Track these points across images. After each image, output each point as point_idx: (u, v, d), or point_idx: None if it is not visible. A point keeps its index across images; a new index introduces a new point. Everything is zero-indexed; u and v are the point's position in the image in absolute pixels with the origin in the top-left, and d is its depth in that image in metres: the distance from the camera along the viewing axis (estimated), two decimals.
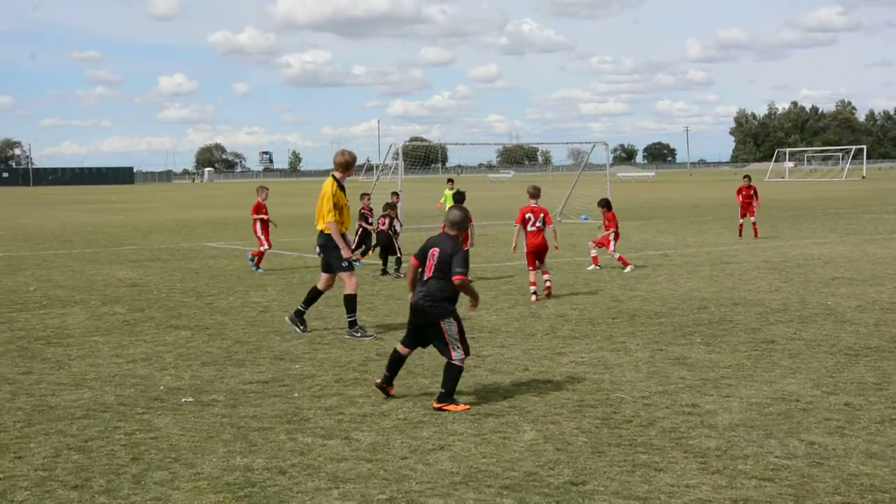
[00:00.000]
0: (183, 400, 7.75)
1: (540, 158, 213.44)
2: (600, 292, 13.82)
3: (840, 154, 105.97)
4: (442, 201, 25.47)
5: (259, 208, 18.37)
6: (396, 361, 7.70)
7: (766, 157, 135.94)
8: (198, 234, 29.29)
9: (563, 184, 39.19)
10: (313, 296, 10.97)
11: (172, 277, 16.88)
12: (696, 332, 10.44)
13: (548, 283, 13.41)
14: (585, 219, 31.23)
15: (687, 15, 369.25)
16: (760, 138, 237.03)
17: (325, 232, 10.49)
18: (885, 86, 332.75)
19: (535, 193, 13.26)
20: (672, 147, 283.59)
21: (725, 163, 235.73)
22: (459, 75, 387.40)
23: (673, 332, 10.48)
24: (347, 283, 10.56)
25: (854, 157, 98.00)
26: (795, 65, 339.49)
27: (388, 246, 17.00)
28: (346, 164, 10.72)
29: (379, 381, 7.72)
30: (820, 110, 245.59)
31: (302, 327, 10.86)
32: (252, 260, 17.91)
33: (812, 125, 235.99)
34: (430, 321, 7.50)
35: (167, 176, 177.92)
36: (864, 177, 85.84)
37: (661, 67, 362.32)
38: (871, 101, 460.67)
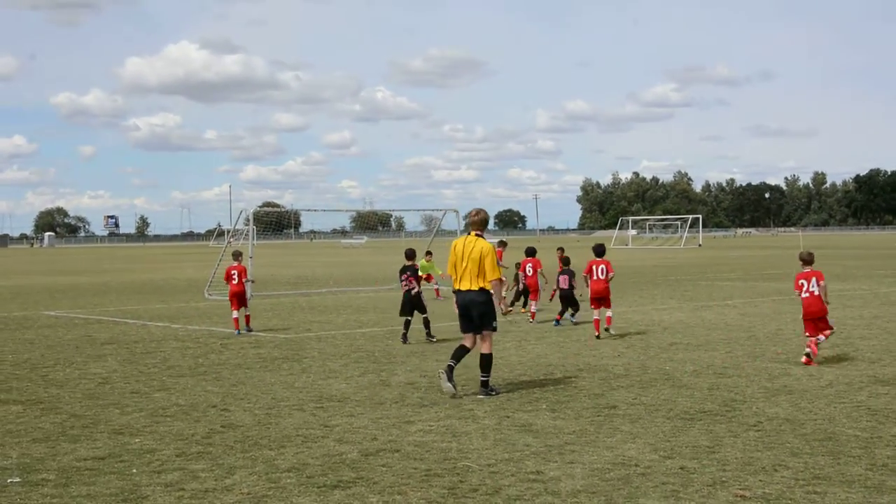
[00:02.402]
0: (9, 481, 7.32)
1: (393, 224, 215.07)
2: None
3: (678, 223, 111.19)
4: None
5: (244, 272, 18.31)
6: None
7: (611, 225, 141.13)
8: (34, 301, 27.98)
9: (418, 250, 39.45)
10: (463, 353, 11.10)
11: (3, 349, 16.03)
12: (542, 398, 10.64)
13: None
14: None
15: (535, 86, 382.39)
16: (605, 206, 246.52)
17: (487, 289, 10.84)
18: (718, 159, 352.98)
19: (808, 259, 13.27)
20: (522, 214, 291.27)
21: (573, 230, 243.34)
22: (313, 141, 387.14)
23: (520, 398, 10.65)
24: (489, 341, 11.06)
25: (691, 226, 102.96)
26: (637, 137, 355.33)
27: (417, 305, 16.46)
28: (486, 222, 11.40)
29: None
30: (660, 180, 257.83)
31: (494, 391, 10.95)
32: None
33: (653, 194, 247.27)
34: None
35: (3, 241, 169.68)
36: (700, 245, 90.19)
37: (511, 136, 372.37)
38: (705, 172, 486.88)
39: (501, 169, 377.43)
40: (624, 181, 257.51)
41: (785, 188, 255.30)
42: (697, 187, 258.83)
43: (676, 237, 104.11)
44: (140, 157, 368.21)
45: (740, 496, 6.65)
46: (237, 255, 18.87)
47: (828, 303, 13.04)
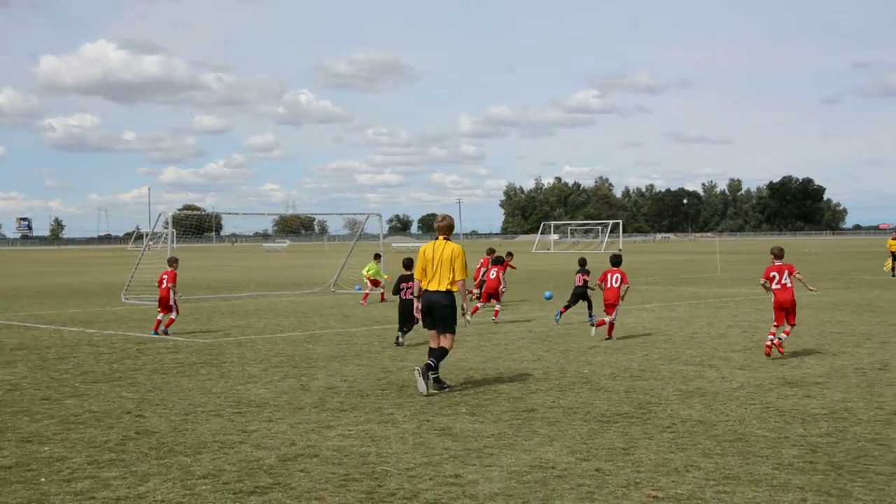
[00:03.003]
0: None
1: (316, 228, 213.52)
2: (371, 363, 13.91)
3: (599, 227, 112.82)
4: (365, 272, 28.20)
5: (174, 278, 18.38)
6: None
7: (534, 230, 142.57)
8: None
9: (340, 254, 39.39)
10: (442, 355, 11.59)
11: None
12: (461, 402, 10.69)
13: (784, 334, 14.28)
14: (359, 289, 31.38)
15: (459, 91, 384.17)
16: (528, 211, 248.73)
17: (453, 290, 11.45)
18: (638, 165, 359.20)
19: (779, 254, 14.49)
20: None
21: (496, 234, 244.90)
22: (235, 143, 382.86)
23: (440, 402, 10.69)
24: (450, 340, 11.68)
25: (612, 231, 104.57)
26: (559, 142, 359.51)
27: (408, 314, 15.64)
28: (452, 227, 11.99)
29: None
30: (581, 186, 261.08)
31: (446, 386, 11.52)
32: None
33: (574, 199, 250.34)
34: None
35: None
36: (620, 250, 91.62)
37: (435, 141, 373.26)
38: (625, 178, 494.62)
39: (425, 173, 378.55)
40: (546, 186, 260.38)
41: (702, 194, 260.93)
42: (618, 193, 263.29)
43: (597, 242, 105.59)
44: (55, 159, 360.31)
45: (653, 497, 6.78)
46: (171, 262, 18.85)
47: (812, 289, 14.65)
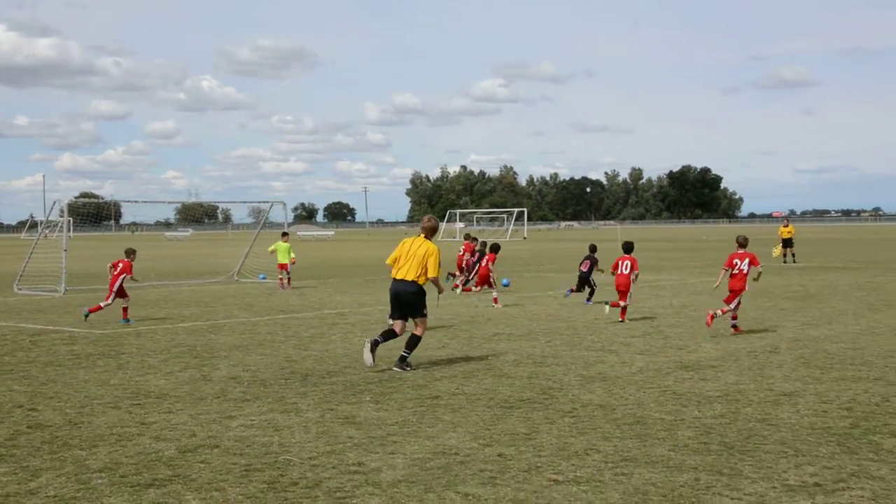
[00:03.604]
0: None
1: (220, 216, 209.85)
2: (274, 352, 13.77)
3: (505, 216, 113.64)
4: (273, 249, 28.23)
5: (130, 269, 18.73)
6: None
7: (440, 218, 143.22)
8: None
9: (244, 242, 38.84)
10: (391, 336, 12.31)
11: None
12: (366, 390, 10.67)
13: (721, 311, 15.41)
14: (263, 278, 31.03)
15: (364, 79, 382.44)
16: (434, 199, 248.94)
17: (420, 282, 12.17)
18: (542, 154, 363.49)
19: (743, 243, 15.61)
20: (352, 206, 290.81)
21: (402, 222, 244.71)
22: (135, 130, 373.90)
23: (344, 390, 10.65)
24: (422, 327, 12.36)
25: (517, 219, 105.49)
26: (465, 131, 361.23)
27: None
28: (435, 229, 12.83)
29: None
30: (487, 174, 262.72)
31: (407, 368, 12.05)
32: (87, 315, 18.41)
33: (480, 188, 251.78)
34: None
35: None
36: (525, 237, 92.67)
37: (340, 129, 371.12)
38: (530, 167, 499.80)
39: (331, 161, 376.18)
40: (452, 174, 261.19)
41: (605, 183, 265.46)
42: (523, 181, 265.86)
43: (503, 230, 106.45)
44: None
45: (553, 480, 6.89)
46: (128, 253, 19.13)
47: (755, 279, 15.44)
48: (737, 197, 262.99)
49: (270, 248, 28.46)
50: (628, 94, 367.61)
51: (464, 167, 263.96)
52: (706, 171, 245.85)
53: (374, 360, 11.98)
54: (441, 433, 8.46)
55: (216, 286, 29.22)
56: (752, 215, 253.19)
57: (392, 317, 12.47)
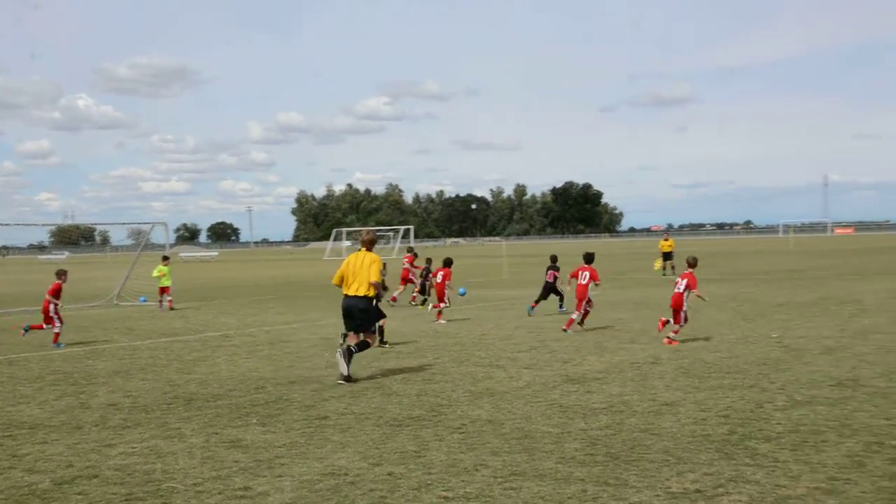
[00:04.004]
0: None
1: (98, 238, 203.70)
2: (157, 377, 13.39)
3: (391, 233, 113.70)
4: (156, 275, 28.02)
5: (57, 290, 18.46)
6: None
7: (326, 237, 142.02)
8: None
9: (123, 265, 37.73)
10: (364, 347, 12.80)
11: None
12: (252, 412, 10.48)
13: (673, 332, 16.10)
14: (144, 301, 30.20)
15: (247, 97, 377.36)
16: (320, 218, 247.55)
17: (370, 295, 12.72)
18: (428, 171, 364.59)
19: (693, 263, 16.28)
20: (236, 226, 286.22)
21: (288, 242, 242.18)
22: (6, 150, 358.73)
23: (230, 414, 10.43)
24: (373, 339, 13.19)
25: (403, 236, 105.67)
26: (351, 149, 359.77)
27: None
28: (374, 241, 13.38)
29: None
30: (373, 192, 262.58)
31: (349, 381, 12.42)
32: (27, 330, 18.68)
33: (366, 206, 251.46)
34: None
35: None
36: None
37: (223, 148, 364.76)
38: (416, 184, 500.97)
39: (214, 181, 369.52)
40: (338, 193, 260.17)
41: (490, 200, 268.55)
42: (409, 199, 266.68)
43: (389, 248, 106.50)
44: None
45: (443, 497, 6.89)
46: (59, 274, 18.88)
47: (704, 299, 16.85)
48: (617, 212, 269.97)
49: (154, 273, 27.98)
50: (512, 111, 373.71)
51: (350, 185, 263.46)
52: (588, 186, 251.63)
53: (347, 369, 12.45)
54: (330, 454, 8.37)
55: (95, 310, 28.28)
56: (633, 229, 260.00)
57: (346, 329, 13.01)
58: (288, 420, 9.99)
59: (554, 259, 22.75)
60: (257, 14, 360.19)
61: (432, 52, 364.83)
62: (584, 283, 18.16)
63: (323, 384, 12.41)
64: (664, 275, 38.29)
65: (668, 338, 15.83)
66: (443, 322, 20.70)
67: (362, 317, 12.79)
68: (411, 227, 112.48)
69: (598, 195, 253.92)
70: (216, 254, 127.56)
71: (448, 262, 22.29)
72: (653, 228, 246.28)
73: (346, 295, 12.87)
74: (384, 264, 13.48)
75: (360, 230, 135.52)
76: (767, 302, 24.05)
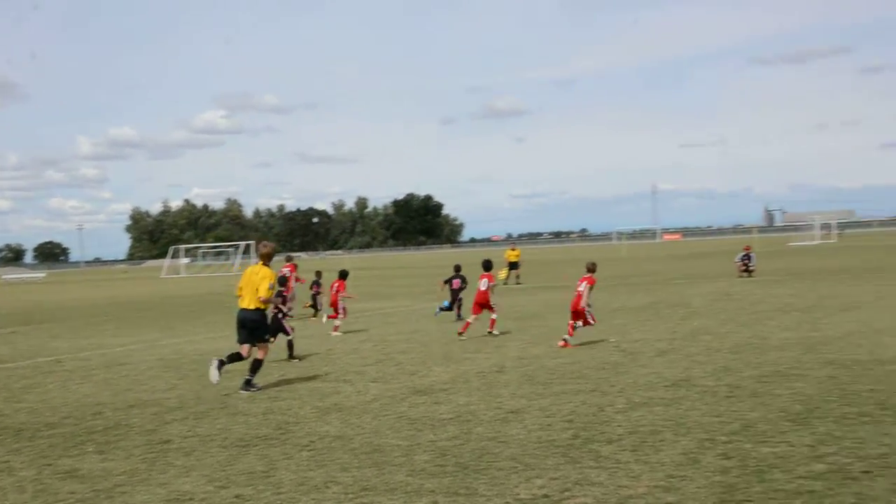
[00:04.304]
0: None
1: None
2: None
3: (231, 249, 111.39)
4: None
5: None
6: None
7: (163, 254, 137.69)
8: None
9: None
10: (237, 359, 13.03)
11: None
12: (88, 440, 10.02)
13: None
14: None
15: (76, 112, 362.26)
16: (156, 235, 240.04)
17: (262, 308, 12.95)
18: (268, 185, 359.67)
19: (591, 268, 17.29)
20: (65, 246, 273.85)
21: (122, 260, 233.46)
22: None
23: (64, 443, 9.94)
24: (264, 351, 13.13)
25: (244, 252, 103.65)
26: (187, 164, 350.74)
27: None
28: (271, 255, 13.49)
29: None
30: (211, 208, 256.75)
31: (252, 388, 12.96)
32: None
33: (205, 222, 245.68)
34: None
35: None
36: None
37: (50, 164, 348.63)
38: (256, 199, 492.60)
39: (41, 199, 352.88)
40: (175, 209, 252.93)
41: (332, 213, 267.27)
42: (249, 213, 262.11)
43: (230, 264, 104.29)
44: None
45: None
46: None
47: (589, 304, 16.82)
48: (458, 222, 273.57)
49: None
50: (352, 124, 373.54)
51: (187, 201, 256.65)
52: (429, 198, 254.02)
53: (218, 378, 12.73)
54: (173, 479, 8.10)
55: None
56: (473, 240, 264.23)
57: (239, 341, 13.13)
58: (128, 446, 9.61)
59: (458, 268, 23.70)
60: (79, 26, 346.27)
61: (270, 64, 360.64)
62: (483, 289, 18.99)
63: (164, 407, 12.01)
64: (505, 283, 39.02)
65: (565, 340, 16.52)
66: (339, 335, 20.65)
67: (253, 328, 13.03)
68: (252, 242, 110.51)
69: (439, 206, 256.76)
70: (43, 275, 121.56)
71: (343, 275, 22.30)
72: (493, 238, 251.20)
73: (240, 308, 13.08)
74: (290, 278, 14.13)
75: (198, 247, 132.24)
76: (604, 307, 24.88)
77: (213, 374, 12.73)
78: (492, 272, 19.47)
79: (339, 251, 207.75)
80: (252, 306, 12.94)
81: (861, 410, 9.55)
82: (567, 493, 7.10)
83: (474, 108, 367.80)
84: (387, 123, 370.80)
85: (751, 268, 36.45)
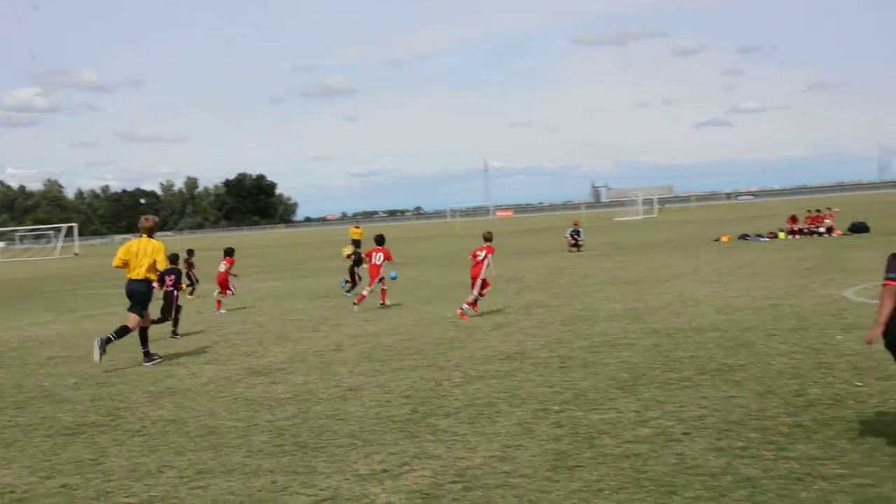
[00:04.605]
0: None
1: None
2: None
3: (52, 232, 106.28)
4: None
5: None
6: None
7: None
8: None
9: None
10: (143, 339, 13.56)
11: None
12: None
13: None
14: None
15: None
16: None
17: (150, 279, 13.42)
18: (91, 165, 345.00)
19: (488, 237, 17.96)
20: None
21: None
22: None
23: None
24: (134, 321, 13.39)
25: (67, 235, 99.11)
26: (1, 144, 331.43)
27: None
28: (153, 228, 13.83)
29: None
30: (28, 189, 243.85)
31: (154, 358, 13.49)
32: None
33: (22, 203, 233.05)
34: None
35: None
36: (76, 254, 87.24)
37: None
38: (78, 179, 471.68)
39: None
40: None
41: (161, 194, 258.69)
42: (71, 195, 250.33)
43: (51, 247, 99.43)
44: None
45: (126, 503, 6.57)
46: None
47: (493, 273, 17.57)
48: (292, 202, 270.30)
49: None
50: (179, 102, 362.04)
51: (1, 182, 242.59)
52: (261, 178, 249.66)
53: (100, 359, 12.92)
54: None
55: None
56: (308, 219, 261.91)
57: (130, 310, 13.48)
58: None
59: (357, 244, 24.13)
60: None
61: (89, 40, 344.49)
62: (378, 262, 19.38)
63: None
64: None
65: (461, 310, 16.85)
66: (223, 312, 20.72)
67: (138, 299, 13.38)
68: (75, 224, 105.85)
69: (273, 186, 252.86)
70: None
71: (229, 252, 22.28)
72: (328, 217, 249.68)
73: (129, 279, 13.42)
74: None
75: (15, 230, 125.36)
76: (441, 284, 25.23)
77: (96, 354, 12.94)
78: (385, 247, 19.70)
79: (169, 232, 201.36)
80: (140, 277, 13.31)
81: (682, 376, 10.07)
82: (406, 467, 7.17)
83: (304, 86, 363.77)
84: (215, 103, 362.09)
85: (580, 242, 37.73)
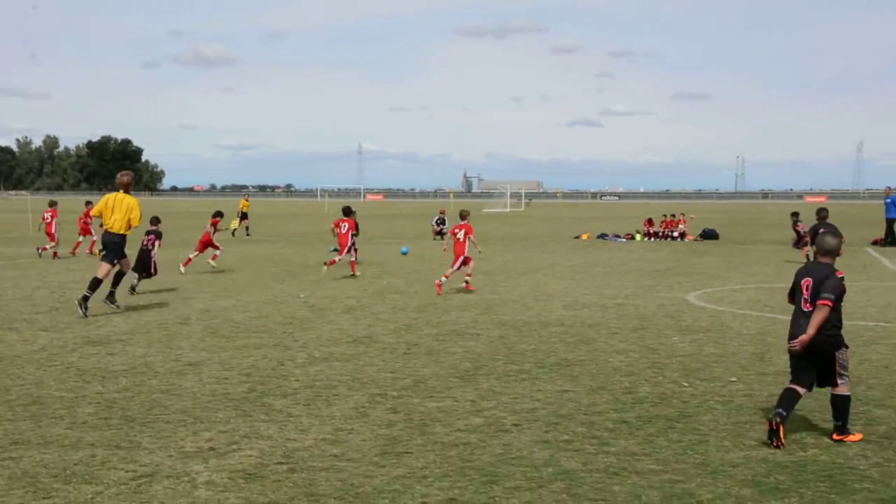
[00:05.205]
0: None
1: None
2: None
3: None
4: None
5: None
6: (791, 399, 7.43)
7: None
8: None
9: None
10: (117, 280, 14.68)
11: None
12: None
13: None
14: None
15: None
16: None
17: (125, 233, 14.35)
18: None
19: (464, 215, 18.36)
20: None
21: None
22: None
23: None
24: (104, 271, 14.38)
25: None
26: None
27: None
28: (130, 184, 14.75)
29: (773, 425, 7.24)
30: None
31: (115, 305, 14.53)
32: None
33: None
34: (826, 353, 7.40)
35: None
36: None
37: None
38: None
39: None
40: None
41: (17, 150, 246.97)
42: None
43: None
44: None
45: None
46: None
47: (480, 251, 19.55)
48: (158, 170, 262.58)
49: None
50: (43, 56, 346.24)
51: None
52: (127, 142, 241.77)
53: (85, 313, 13.65)
54: None
55: None
56: (174, 188, 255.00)
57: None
58: None
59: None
60: None
61: None
62: (344, 232, 20.61)
63: None
64: (233, 234, 37.78)
65: (466, 282, 18.02)
66: (214, 264, 22.17)
67: (113, 250, 14.24)
68: None
69: (139, 152, 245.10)
70: None
71: (218, 214, 23.01)
72: (196, 188, 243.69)
73: (106, 231, 14.29)
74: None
75: None
76: (299, 263, 24.98)
77: (80, 311, 13.67)
78: (352, 218, 20.78)
79: (24, 192, 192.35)
80: (116, 230, 14.20)
81: (521, 368, 10.28)
82: (234, 447, 7.08)
83: (178, 51, 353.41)
84: (82, 60, 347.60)
85: (444, 231, 38.01)
